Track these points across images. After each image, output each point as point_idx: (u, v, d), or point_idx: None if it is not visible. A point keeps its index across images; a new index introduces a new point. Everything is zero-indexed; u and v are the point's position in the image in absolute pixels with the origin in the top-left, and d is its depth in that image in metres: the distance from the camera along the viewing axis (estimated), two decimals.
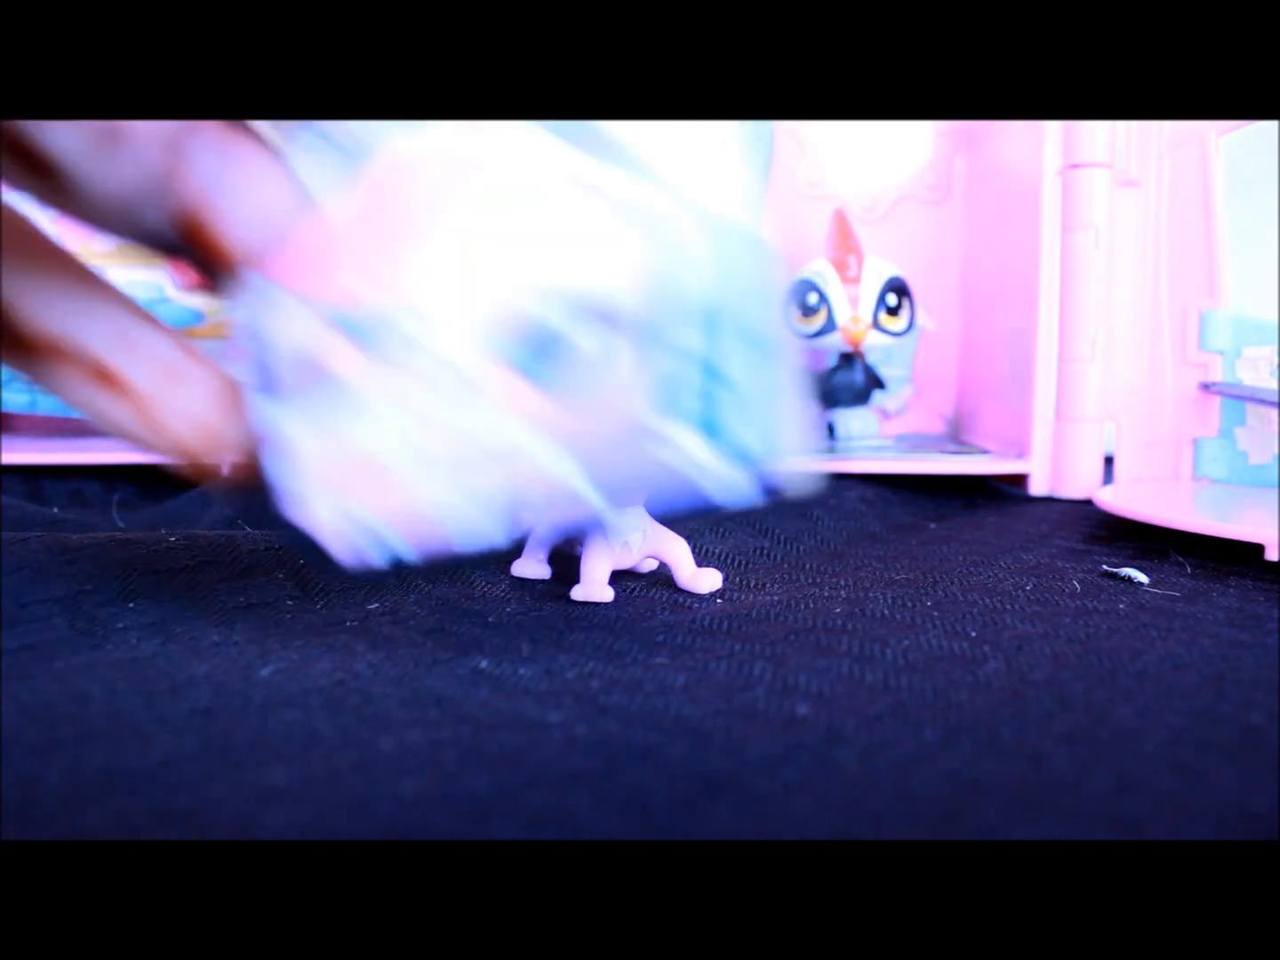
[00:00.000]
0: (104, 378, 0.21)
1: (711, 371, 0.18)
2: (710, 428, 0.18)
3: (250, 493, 0.20)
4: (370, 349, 0.18)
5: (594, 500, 0.18)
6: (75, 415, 0.24)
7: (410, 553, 0.19)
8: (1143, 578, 0.30)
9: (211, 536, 0.31)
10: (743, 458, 0.18)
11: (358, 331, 0.18)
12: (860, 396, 0.54)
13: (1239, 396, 0.45)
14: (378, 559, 0.19)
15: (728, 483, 0.19)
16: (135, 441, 0.22)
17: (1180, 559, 0.33)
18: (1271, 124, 0.52)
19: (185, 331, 0.47)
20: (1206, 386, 0.46)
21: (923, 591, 0.29)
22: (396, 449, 0.18)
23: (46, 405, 0.51)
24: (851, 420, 0.54)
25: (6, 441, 0.50)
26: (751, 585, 0.31)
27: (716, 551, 0.34)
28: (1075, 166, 0.46)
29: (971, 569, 0.32)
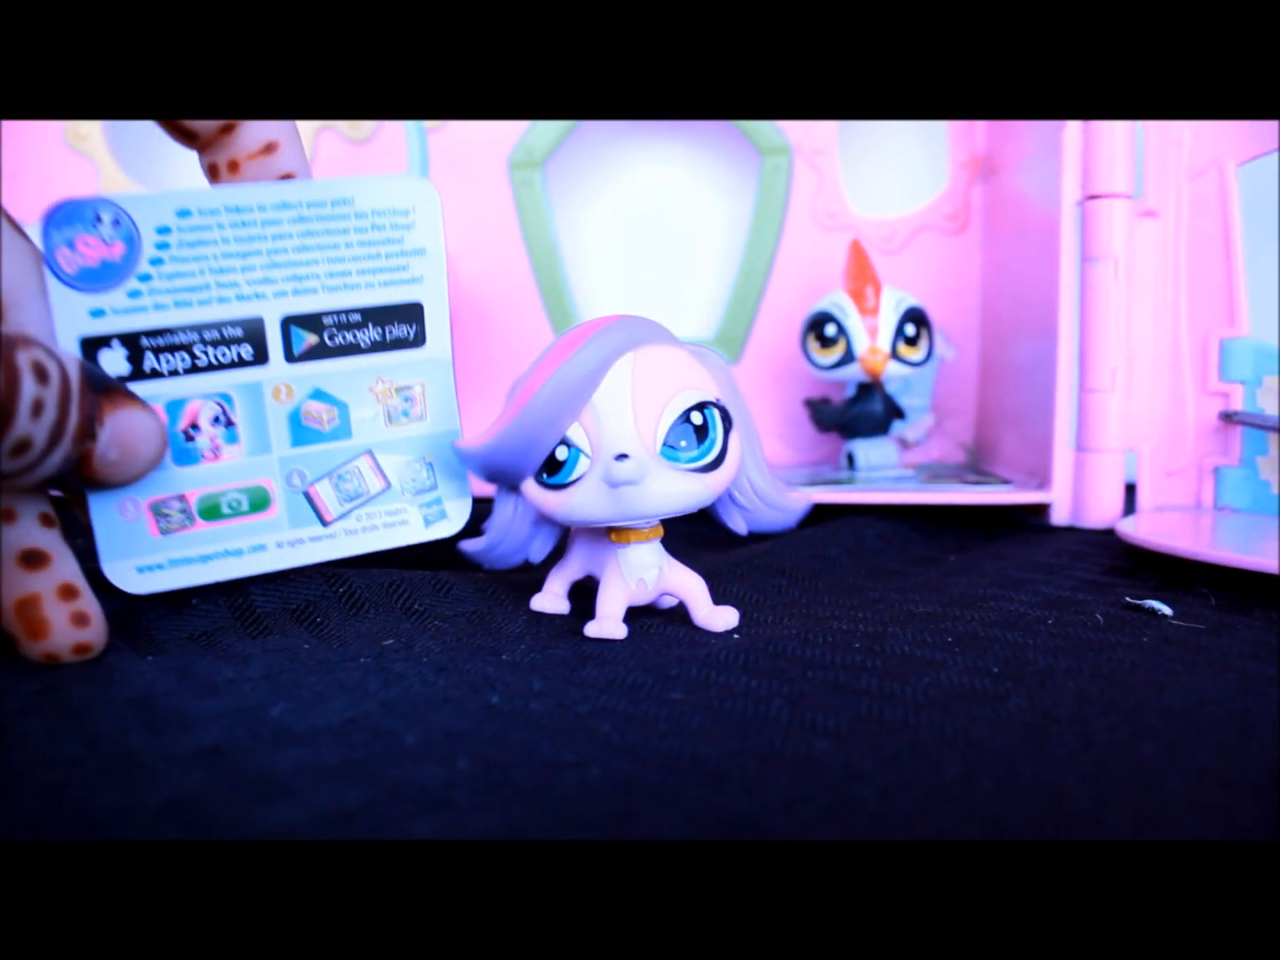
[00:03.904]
0: None
1: None
2: None
3: None
4: None
5: None
6: None
7: None
8: (1166, 610, 0.30)
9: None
10: None
11: None
12: (880, 426, 0.54)
13: (1261, 426, 0.44)
14: None
15: None
16: None
17: (1204, 591, 0.33)
18: None
19: None
20: (1228, 416, 0.45)
21: (944, 626, 0.29)
22: None
23: None
24: (871, 450, 0.54)
25: None
26: (769, 621, 0.30)
27: (734, 590, 0.34)
28: (1094, 197, 0.46)
29: (993, 602, 0.32)
